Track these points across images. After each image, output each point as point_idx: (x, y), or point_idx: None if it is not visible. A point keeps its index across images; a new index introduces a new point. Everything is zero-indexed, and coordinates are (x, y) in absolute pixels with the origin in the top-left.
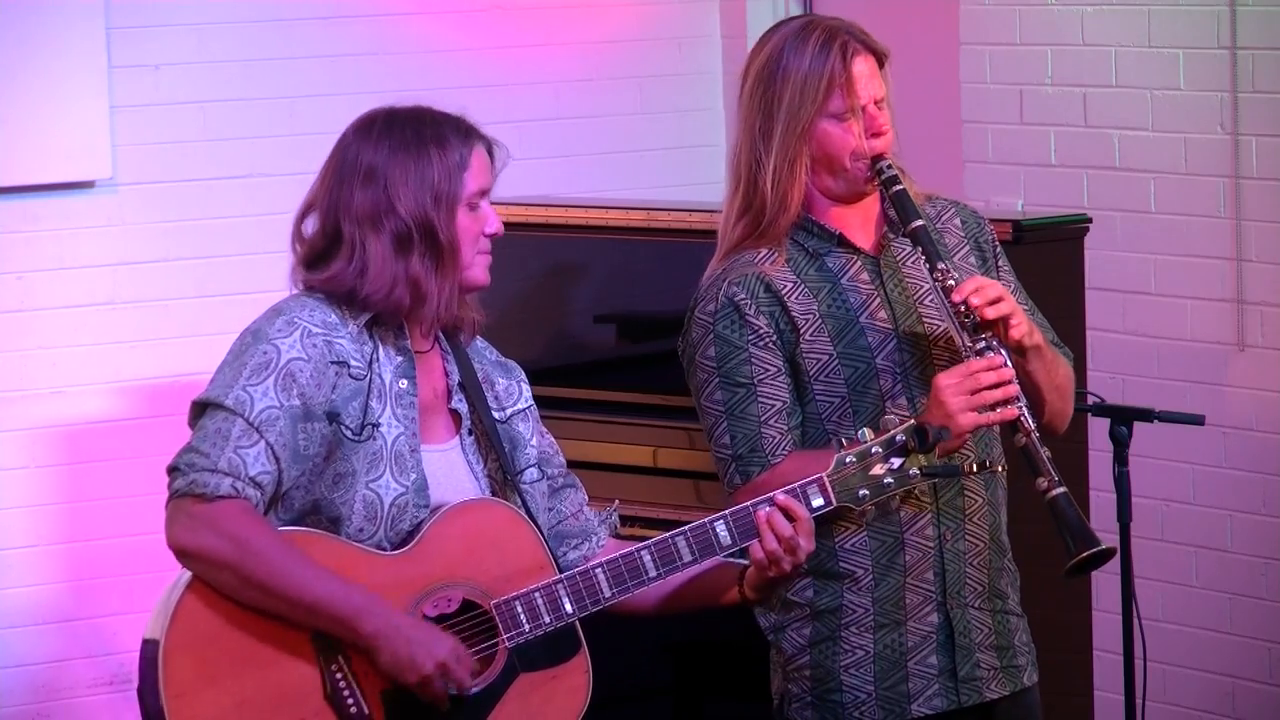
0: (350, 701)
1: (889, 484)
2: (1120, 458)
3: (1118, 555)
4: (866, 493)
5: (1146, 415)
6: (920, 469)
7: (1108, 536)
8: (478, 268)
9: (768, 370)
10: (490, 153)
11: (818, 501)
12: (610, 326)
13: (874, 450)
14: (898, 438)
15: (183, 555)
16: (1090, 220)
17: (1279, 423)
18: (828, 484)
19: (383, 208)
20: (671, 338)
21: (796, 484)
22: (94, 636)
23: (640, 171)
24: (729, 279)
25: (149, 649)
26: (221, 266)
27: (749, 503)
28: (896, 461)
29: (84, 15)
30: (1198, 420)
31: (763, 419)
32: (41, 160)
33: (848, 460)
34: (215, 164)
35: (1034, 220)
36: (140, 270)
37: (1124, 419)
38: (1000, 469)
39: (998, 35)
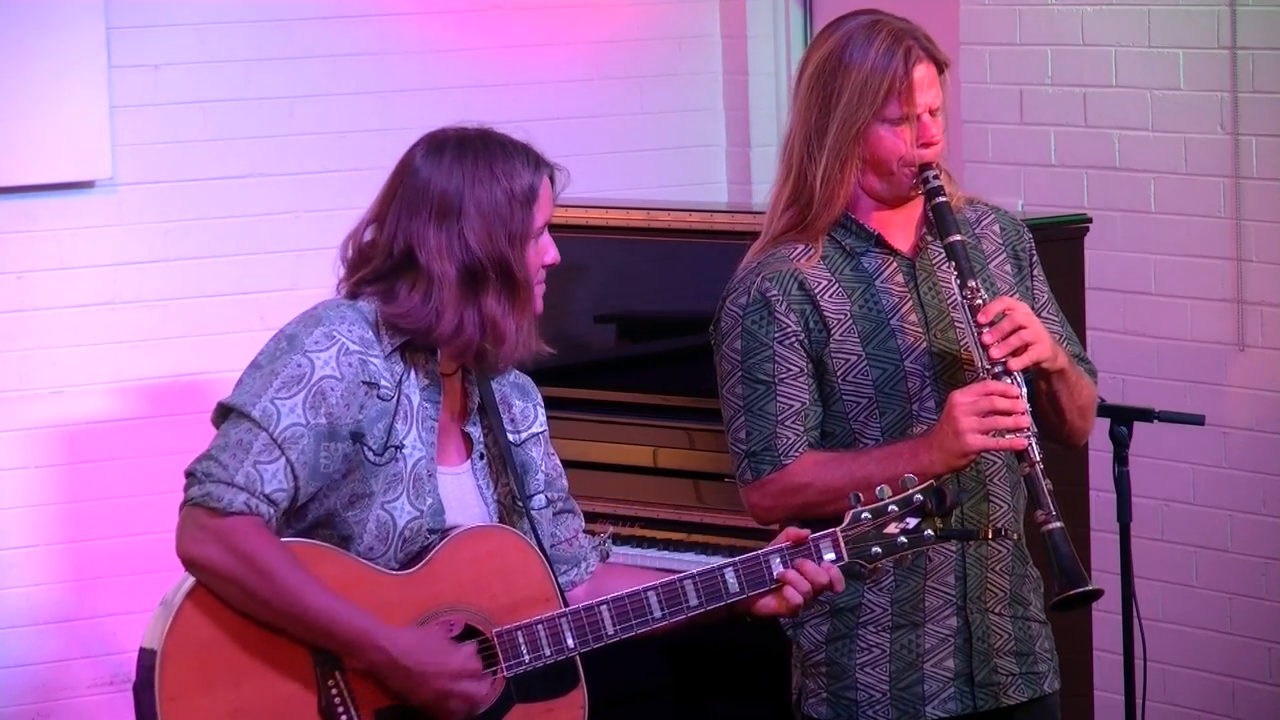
0: (344, 717)
1: (903, 543)
2: (1120, 458)
3: (1118, 555)
4: (879, 550)
5: (1146, 415)
6: (936, 531)
7: (1108, 536)
8: (535, 299)
9: (790, 370)
10: (553, 180)
11: (829, 556)
12: (610, 326)
13: (890, 508)
14: (915, 498)
15: (190, 565)
16: (1090, 220)
17: (1279, 423)
18: (840, 539)
19: (456, 243)
20: (672, 338)
21: (810, 538)
22: (94, 636)
23: (640, 171)
24: (763, 274)
25: (146, 658)
26: (221, 266)
27: (759, 552)
28: (912, 521)
29: (84, 15)
30: (1198, 420)
31: (779, 418)
32: (41, 160)
33: (863, 516)
34: (215, 164)
35: (1034, 220)
36: (140, 270)
37: (1124, 419)
38: (1016, 536)
39: (998, 35)
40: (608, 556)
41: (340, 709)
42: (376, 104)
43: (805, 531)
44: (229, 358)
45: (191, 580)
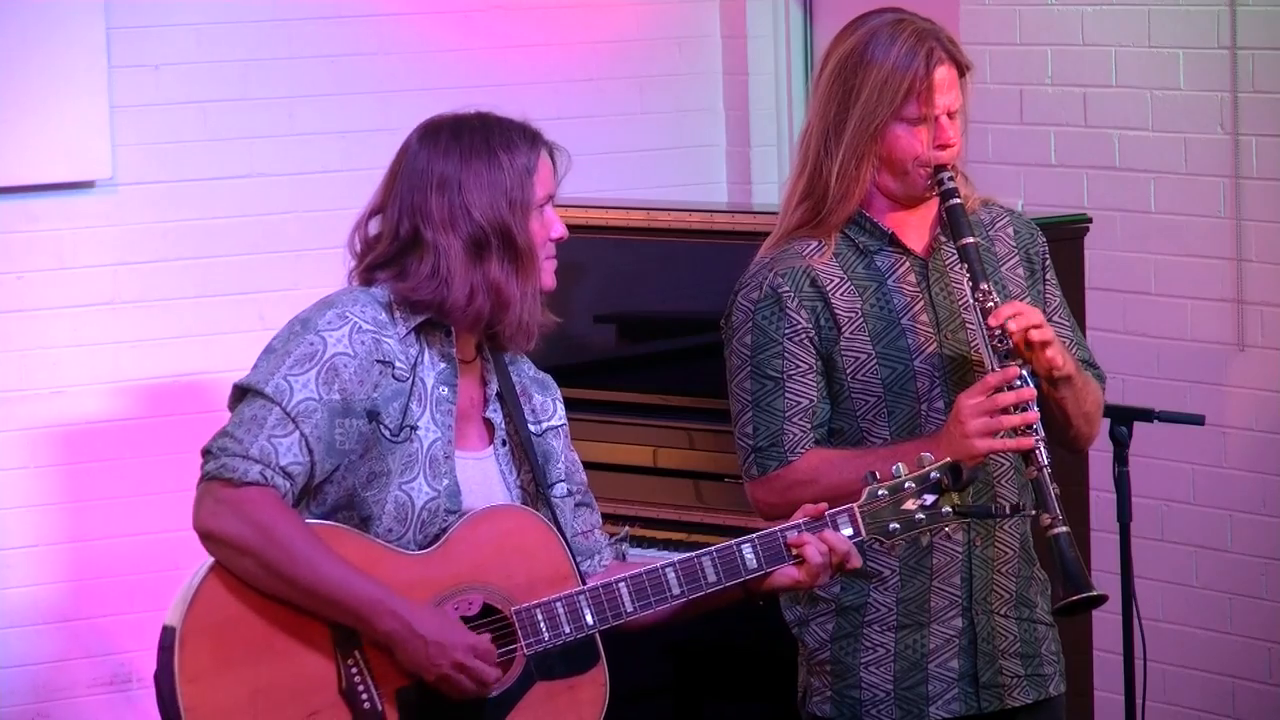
0: (364, 697)
1: (920, 520)
2: (1120, 458)
3: (1118, 555)
4: (897, 526)
5: (1146, 415)
6: (953, 507)
7: (1108, 536)
8: (545, 272)
9: (799, 367)
10: (553, 157)
11: (847, 531)
12: (610, 326)
13: (907, 485)
14: (932, 474)
15: (206, 538)
16: (1090, 220)
17: (1279, 423)
18: (858, 515)
19: (459, 215)
20: (672, 338)
21: (827, 513)
22: (94, 636)
23: (640, 171)
24: (776, 269)
25: (166, 635)
26: (221, 266)
27: (777, 528)
28: (930, 498)
29: (84, 15)
30: (1198, 420)
31: (787, 414)
32: (41, 160)
33: (880, 493)
34: (215, 164)
35: (1034, 220)
36: (140, 270)
37: (1124, 419)
38: (1033, 512)
39: (998, 35)
40: (624, 557)
41: (361, 688)
42: (376, 104)
43: (822, 506)
44: (229, 358)
45: (212, 560)
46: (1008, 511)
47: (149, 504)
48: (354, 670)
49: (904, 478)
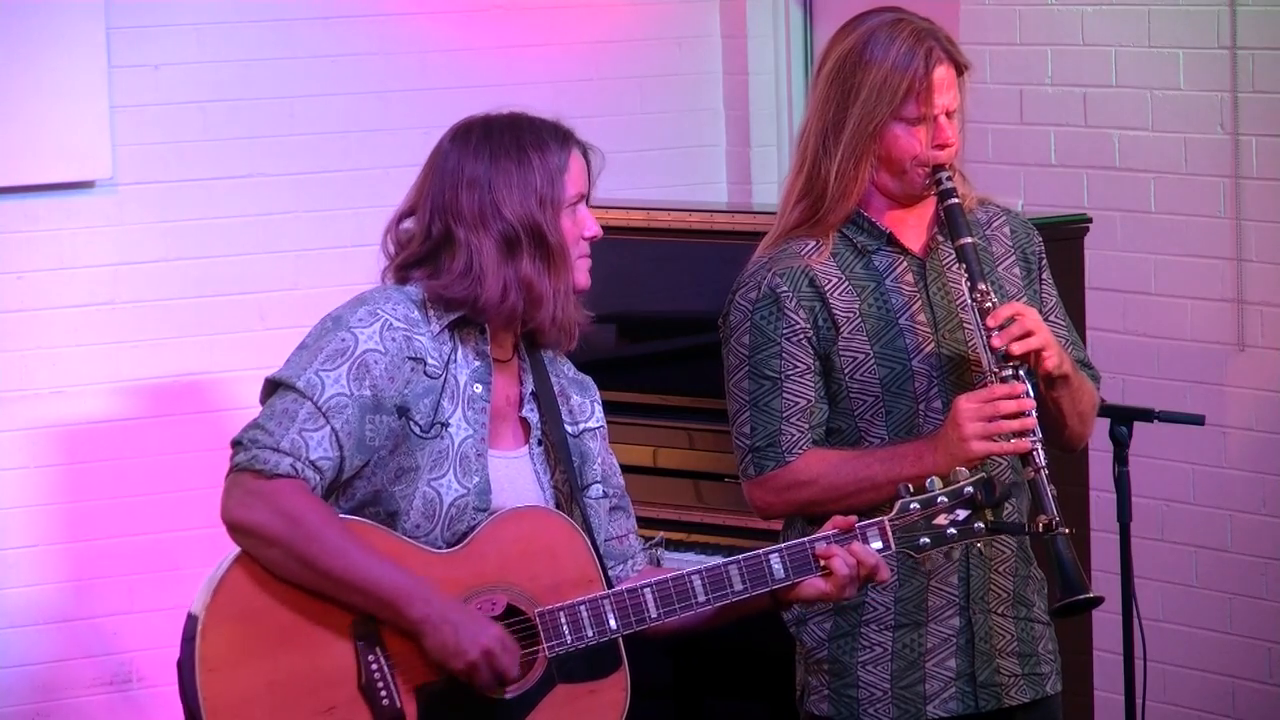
0: (383, 693)
1: (952, 535)
2: (1120, 458)
3: (1118, 555)
4: (928, 541)
5: (1146, 415)
6: (986, 524)
7: (1108, 536)
8: (579, 270)
9: (797, 367)
10: (586, 157)
11: (876, 545)
12: (610, 326)
13: (940, 499)
14: (965, 490)
15: (235, 529)
16: (1090, 220)
17: (1279, 423)
18: (888, 528)
19: (489, 213)
20: (672, 338)
21: (857, 525)
22: (94, 636)
23: (640, 171)
24: (774, 269)
25: (190, 625)
26: (221, 266)
27: (806, 539)
28: (962, 513)
29: (84, 15)
30: (1198, 420)
31: (784, 414)
32: (41, 160)
33: (912, 506)
34: (215, 164)
35: (1034, 220)
36: (140, 270)
37: (1124, 419)
38: (1069, 532)
39: (998, 35)
40: (659, 563)
41: (380, 685)
42: (376, 104)
43: (852, 519)
44: (229, 358)
45: (237, 551)
46: (1040, 529)
47: (149, 504)
48: (374, 666)
49: (937, 492)
